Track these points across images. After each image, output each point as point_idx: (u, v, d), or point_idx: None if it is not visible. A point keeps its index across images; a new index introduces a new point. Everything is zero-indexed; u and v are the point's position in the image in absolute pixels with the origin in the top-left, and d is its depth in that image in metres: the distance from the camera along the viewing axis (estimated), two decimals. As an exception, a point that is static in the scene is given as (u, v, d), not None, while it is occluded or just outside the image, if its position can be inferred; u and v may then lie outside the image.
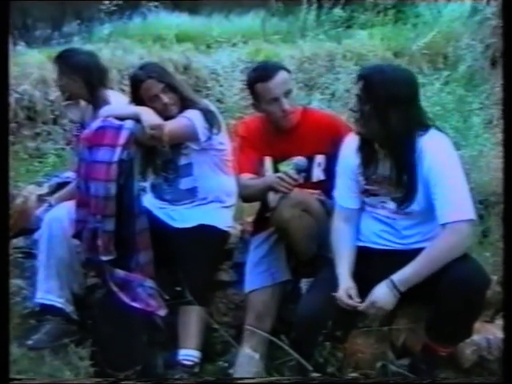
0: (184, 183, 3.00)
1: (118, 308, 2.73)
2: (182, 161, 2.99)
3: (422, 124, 2.43)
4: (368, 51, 5.76)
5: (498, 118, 4.21)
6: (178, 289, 2.71)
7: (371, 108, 2.35)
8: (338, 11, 6.39)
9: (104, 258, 2.71)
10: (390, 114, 2.34)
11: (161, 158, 2.99)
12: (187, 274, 2.72)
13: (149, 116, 2.76)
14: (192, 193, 3.00)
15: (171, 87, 2.93)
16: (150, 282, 2.79)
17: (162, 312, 2.79)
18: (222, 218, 3.00)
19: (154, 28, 6.60)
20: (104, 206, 2.70)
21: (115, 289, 2.73)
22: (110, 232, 2.72)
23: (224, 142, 3.02)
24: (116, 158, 2.69)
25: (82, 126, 3.19)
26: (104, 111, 2.82)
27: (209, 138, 2.92)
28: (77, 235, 2.82)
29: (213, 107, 3.04)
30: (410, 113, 2.37)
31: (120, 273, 2.75)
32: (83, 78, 3.11)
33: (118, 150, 2.70)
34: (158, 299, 2.79)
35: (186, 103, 2.95)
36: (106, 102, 2.96)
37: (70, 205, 2.87)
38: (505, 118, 2.29)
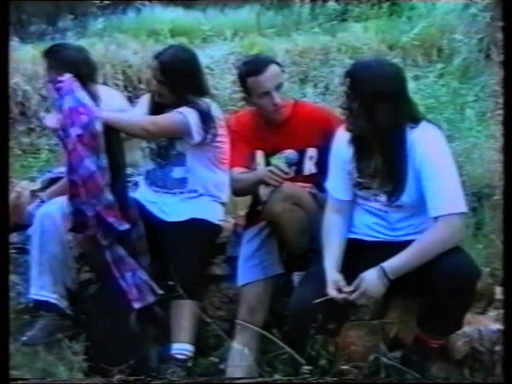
0: (176, 172, 2.98)
1: (112, 303, 2.73)
2: (176, 149, 2.97)
3: (413, 117, 2.42)
4: (362, 44, 5.77)
5: (493, 111, 4.22)
6: (171, 283, 2.71)
7: (360, 105, 2.35)
8: (332, 4, 6.41)
9: (121, 228, 2.70)
10: (379, 109, 2.33)
11: (156, 143, 2.99)
12: (178, 268, 2.72)
13: None
14: (182, 183, 2.98)
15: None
16: (142, 274, 2.77)
17: (137, 305, 2.73)
18: (214, 211, 2.99)
19: (148, 22, 6.61)
20: (99, 178, 2.68)
21: (110, 260, 2.71)
22: (113, 202, 2.70)
23: (222, 140, 2.98)
24: (98, 127, 2.70)
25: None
26: None
27: (204, 139, 2.90)
28: (74, 228, 2.80)
29: (214, 108, 2.96)
30: (398, 107, 2.36)
31: (120, 250, 2.74)
32: (71, 73, 3.09)
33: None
34: (142, 292, 2.76)
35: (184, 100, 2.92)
36: (96, 97, 2.95)
37: (62, 200, 2.86)
38: (504, 110, 2.29)
